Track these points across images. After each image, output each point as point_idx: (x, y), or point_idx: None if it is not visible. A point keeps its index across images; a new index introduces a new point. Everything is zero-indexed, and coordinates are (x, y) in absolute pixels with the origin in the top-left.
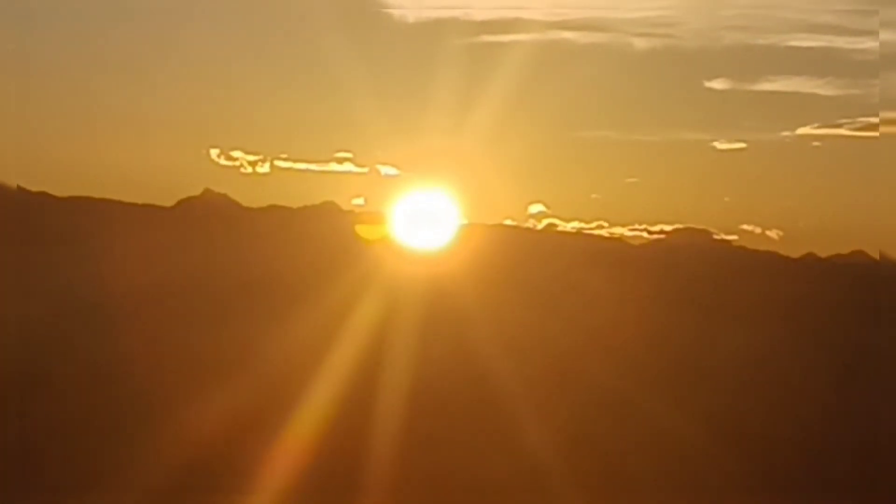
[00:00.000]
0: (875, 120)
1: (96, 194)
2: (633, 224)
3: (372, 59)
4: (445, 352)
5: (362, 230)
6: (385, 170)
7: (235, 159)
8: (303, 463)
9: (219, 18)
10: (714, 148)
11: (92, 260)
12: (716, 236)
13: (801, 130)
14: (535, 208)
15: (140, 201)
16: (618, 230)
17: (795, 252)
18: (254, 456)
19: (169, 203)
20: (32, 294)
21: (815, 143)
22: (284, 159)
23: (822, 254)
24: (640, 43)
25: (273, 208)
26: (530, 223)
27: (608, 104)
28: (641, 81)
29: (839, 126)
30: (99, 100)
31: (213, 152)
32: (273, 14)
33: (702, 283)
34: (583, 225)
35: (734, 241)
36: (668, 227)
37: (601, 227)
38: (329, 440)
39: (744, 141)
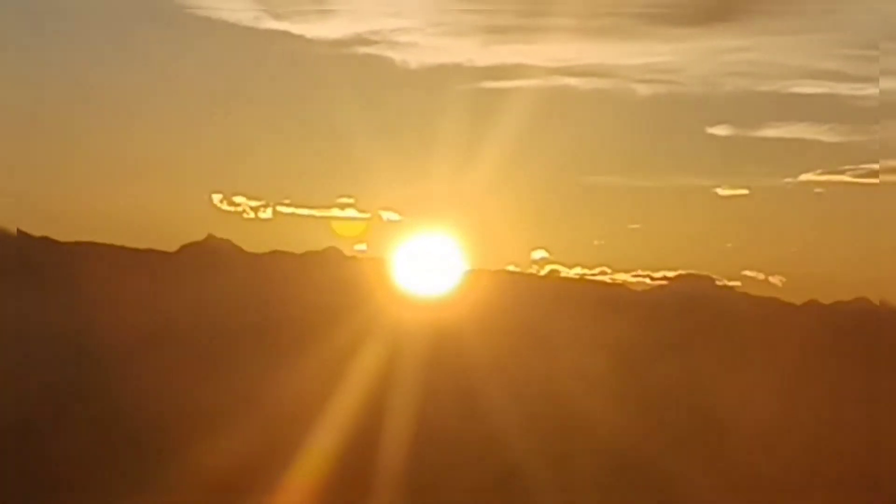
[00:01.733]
0: (877, 166)
1: (99, 239)
2: (635, 270)
3: (374, 105)
4: (448, 397)
5: (365, 276)
6: (387, 215)
7: (238, 205)
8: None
9: (222, 64)
10: (717, 194)
11: (94, 305)
12: (718, 282)
13: (804, 177)
14: (538, 254)
15: (143, 246)
16: (620, 276)
17: (798, 298)
18: (260, 497)
19: (172, 248)
20: (33, 339)
21: (818, 190)
22: (287, 205)
23: (825, 300)
24: (642, 89)
25: (276, 254)
26: (533, 269)
27: (611, 150)
28: (644, 127)
29: (842, 172)
30: (101, 145)
31: (216, 198)
32: (276, 61)
33: (704, 329)
34: (585, 271)
35: (737, 287)
36: (670, 273)
37: (604, 272)
38: (332, 487)
39: (746, 187)
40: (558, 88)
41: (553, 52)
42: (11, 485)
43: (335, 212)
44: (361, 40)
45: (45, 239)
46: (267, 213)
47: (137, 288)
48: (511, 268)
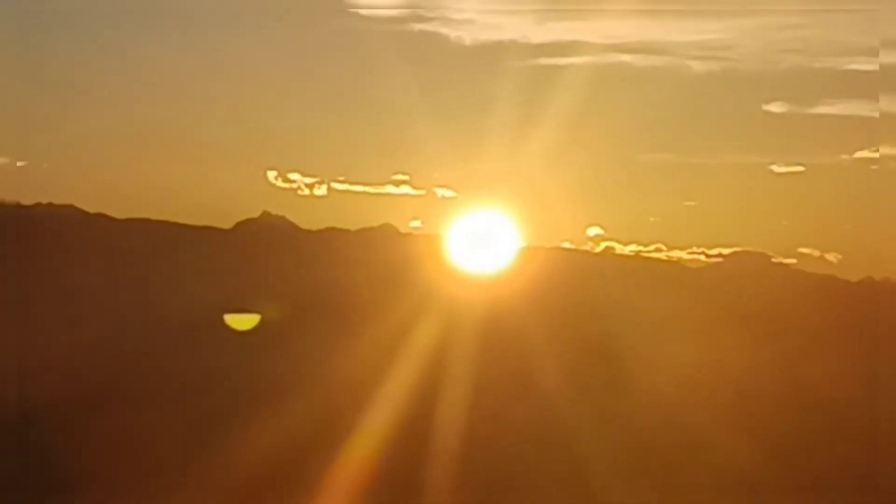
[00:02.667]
0: None
1: (154, 216)
2: (691, 247)
3: (429, 81)
4: (503, 374)
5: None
6: (442, 192)
7: (293, 181)
8: (361, 489)
9: (277, 42)
10: (772, 171)
11: (149, 282)
12: (774, 259)
13: (860, 154)
14: (593, 231)
15: (198, 223)
16: (676, 253)
17: (854, 275)
18: (311, 480)
19: (227, 225)
20: (89, 316)
21: (874, 167)
22: (342, 181)
23: (880, 277)
24: (697, 66)
25: (331, 231)
26: (588, 246)
27: (666, 127)
28: (699, 104)
29: None
30: (157, 122)
31: (271, 174)
32: (331, 37)
33: (760, 306)
34: (641, 248)
35: (792, 264)
36: (726, 251)
37: (659, 249)
38: (386, 466)
39: (802, 164)
40: (613, 65)
41: (608, 29)
42: (74, 459)
43: (390, 189)
44: (416, 17)
45: (100, 215)
46: (322, 190)
47: (193, 264)
48: (566, 245)
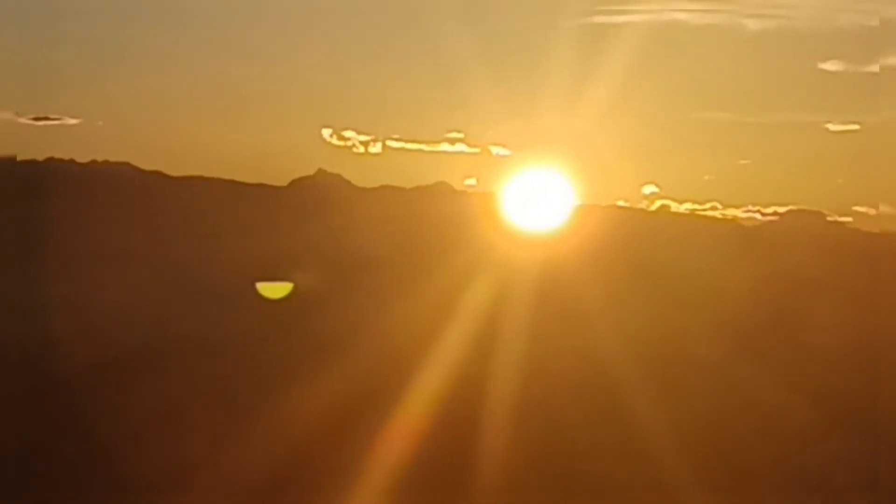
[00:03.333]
0: None
1: (209, 174)
2: (746, 205)
3: (484, 38)
4: (558, 333)
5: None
6: (497, 150)
7: (348, 139)
8: (414, 446)
9: (330, 1)
10: (827, 129)
11: (204, 239)
12: (829, 218)
13: None
14: (649, 189)
15: (253, 181)
16: (731, 211)
17: None
18: (364, 438)
19: (282, 183)
20: (145, 274)
21: None
22: (396, 139)
23: None
24: (753, 24)
25: (385, 188)
26: (643, 204)
27: (721, 85)
28: (754, 62)
29: None
30: (212, 80)
31: (326, 132)
32: None
33: (815, 264)
34: (696, 206)
35: (848, 222)
36: (781, 209)
37: (714, 207)
38: (440, 425)
39: (857, 122)
40: (669, 23)
41: None
42: (125, 417)
43: (444, 146)
44: None
45: (156, 173)
46: (376, 148)
47: (248, 222)
48: (621, 203)
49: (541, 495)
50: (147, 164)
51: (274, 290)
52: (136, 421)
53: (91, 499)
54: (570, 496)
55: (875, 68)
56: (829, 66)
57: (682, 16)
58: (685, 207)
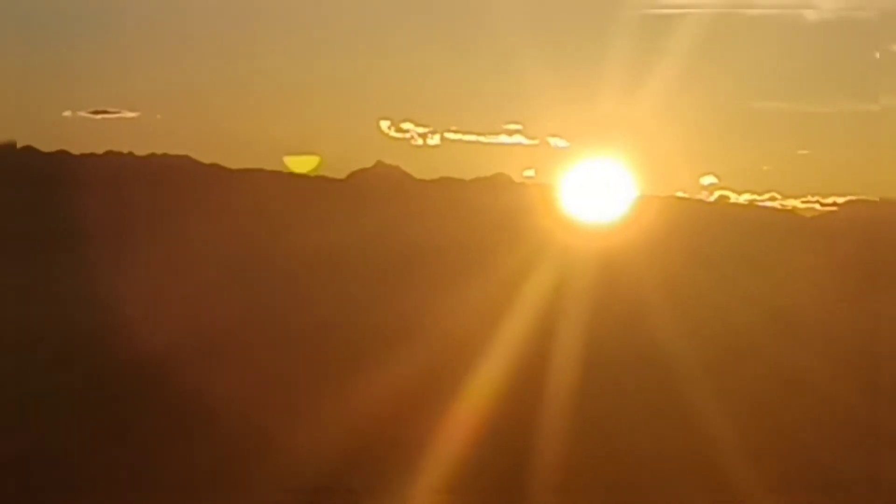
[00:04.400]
0: None
1: (268, 167)
2: (805, 196)
3: (543, 30)
4: (618, 323)
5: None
6: (555, 141)
7: (406, 131)
8: (473, 438)
9: None
10: (885, 119)
11: (264, 231)
12: (888, 207)
13: None
14: (707, 180)
15: (312, 173)
16: (790, 202)
17: None
18: (423, 429)
19: (342, 175)
20: (205, 262)
21: None
22: (454, 131)
23: None
24: (811, 14)
25: (445, 180)
26: (702, 195)
27: (779, 76)
28: (812, 53)
29: None
30: (271, 73)
31: (384, 124)
32: None
33: (875, 254)
34: (755, 197)
35: None
36: (840, 199)
37: (773, 198)
38: (499, 417)
39: None
40: (727, 14)
41: None
42: (183, 406)
43: (503, 138)
44: None
45: (215, 166)
46: (435, 140)
47: (308, 214)
48: (680, 194)
49: (598, 495)
50: (206, 157)
51: (301, 163)
52: (202, 409)
53: (160, 485)
54: (627, 496)
55: None
56: (887, 56)
57: (739, 7)
58: (744, 198)
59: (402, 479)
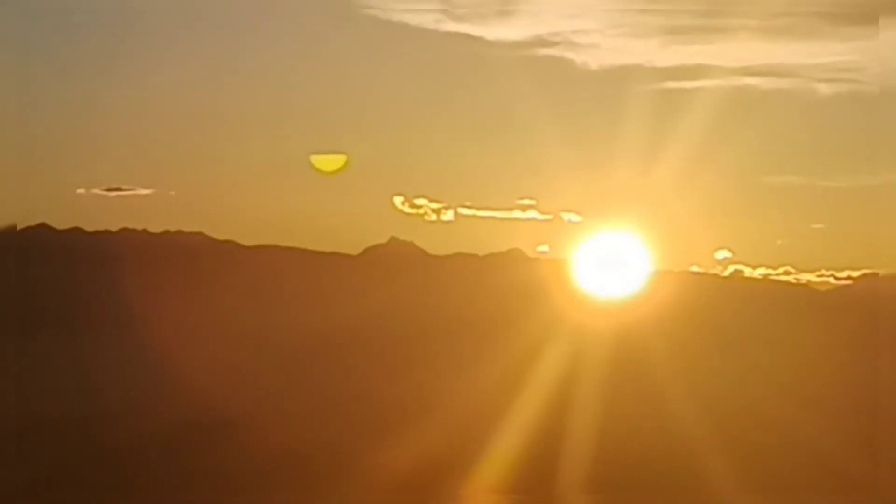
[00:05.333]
0: None
1: (283, 243)
2: (819, 270)
3: (554, 106)
4: (632, 400)
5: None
6: (568, 216)
7: (419, 207)
8: None
9: (402, 67)
10: None
11: (279, 307)
12: None
13: None
14: (722, 254)
15: (326, 249)
16: (804, 276)
17: None
18: (441, 502)
19: (355, 251)
20: (219, 340)
21: None
22: (468, 207)
23: None
24: (824, 88)
25: (459, 256)
26: (717, 269)
27: (793, 150)
28: (826, 127)
29: None
30: (284, 149)
31: (398, 200)
32: (456, 63)
33: (890, 329)
34: (769, 271)
35: None
36: (854, 273)
37: (788, 272)
38: (515, 492)
39: None
40: (739, 88)
41: (733, 52)
42: (196, 482)
43: (517, 213)
44: (541, 42)
45: (229, 242)
46: (449, 215)
47: (322, 290)
48: (694, 268)
49: None
50: (220, 234)
51: (328, 162)
52: (218, 484)
53: None
54: None
55: None
56: None
57: (752, 80)
58: (759, 272)
59: None
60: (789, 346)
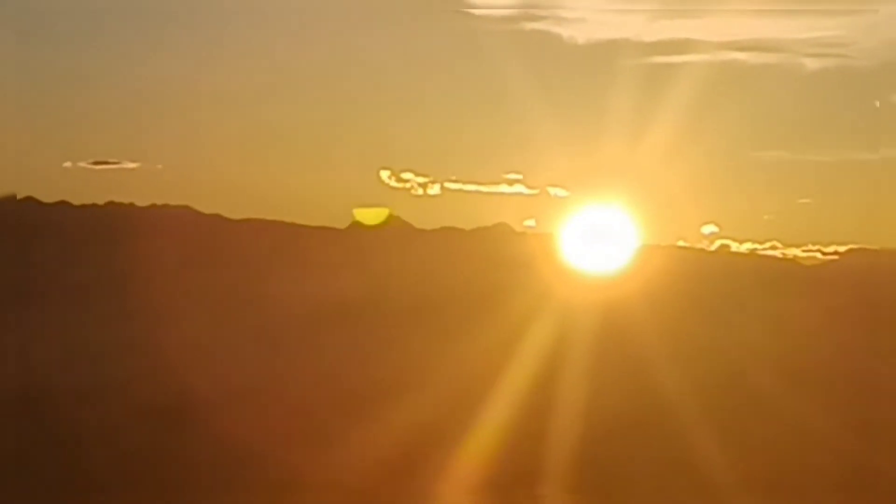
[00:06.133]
0: None
1: (269, 216)
2: (806, 245)
3: (541, 80)
4: (618, 373)
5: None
6: (555, 191)
7: (406, 181)
8: (473, 485)
9: (390, 41)
10: (886, 168)
11: (265, 282)
12: (891, 257)
13: None
14: (708, 229)
15: (313, 223)
16: (791, 251)
17: None
18: (428, 476)
19: (342, 225)
20: (204, 316)
21: None
22: (455, 181)
23: None
24: (811, 63)
25: (446, 230)
26: (703, 244)
27: (780, 125)
28: (813, 102)
29: None
30: (271, 122)
31: (384, 174)
32: (444, 37)
33: (876, 303)
34: (756, 246)
35: None
36: (841, 248)
37: (774, 247)
38: (501, 466)
39: None
40: (727, 63)
41: (721, 27)
42: (187, 463)
43: (503, 188)
44: (528, 16)
45: (216, 216)
46: (435, 190)
47: (309, 264)
48: (681, 243)
49: None
50: (207, 208)
51: (371, 215)
52: (214, 455)
53: None
54: None
55: None
56: (888, 104)
57: (739, 55)
58: (745, 247)
59: None
60: (776, 321)
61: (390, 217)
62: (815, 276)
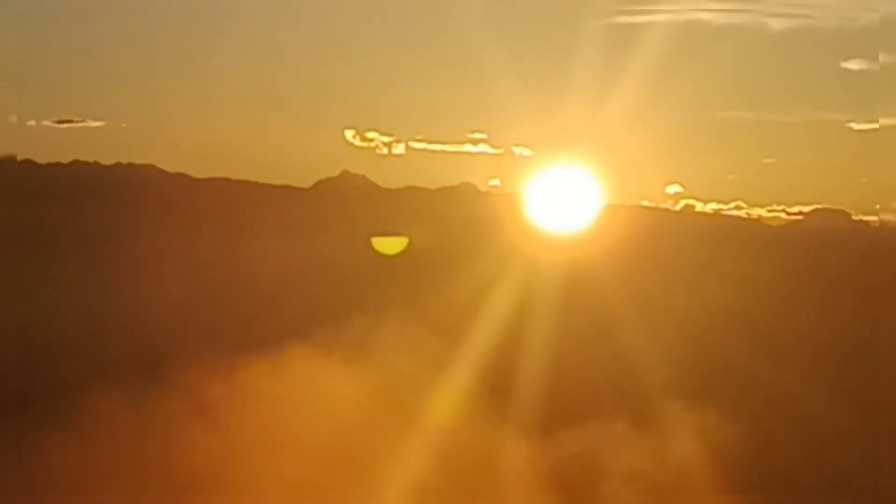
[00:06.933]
0: None
1: (234, 175)
2: (770, 205)
3: (506, 39)
4: (583, 333)
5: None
6: (519, 150)
7: (371, 140)
8: (436, 449)
9: (353, 1)
10: (850, 129)
11: (230, 241)
12: (854, 217)
13: None
14: (673, 189)
15: (278, 182)
16: (756, 211)
17: None
18: (389, 439)
19: (307, 184)
20: (169, 275)
21: None
22: (419, 140)
23: None
24: (776, 23)
25: (410, 189)
26: (668, 204)
27: (744, 85)
28: (777, 62)
29: None
30: (235, 81)
31: (349, 133)
32: None
33: (841, 263)
34: (720, 206)
35: (873, 221)
36: (805, 208)
37: (739, 207)
38: (466, 424)
39: (879, 122)
40: (692, 23)
41: None
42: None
43: (468, 147)
44: None
45: (180, 175)
46: (400, 149)
47: (273, 223)
48: (645, 203)
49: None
50: (171, 166)
51: (391, 245)
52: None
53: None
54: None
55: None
56: (852, 65)
57: (704, 15)
58: (710, 207)
59: (364, 484)
60: (740, 281)
61: (409, 245)
62: (779, 235)
